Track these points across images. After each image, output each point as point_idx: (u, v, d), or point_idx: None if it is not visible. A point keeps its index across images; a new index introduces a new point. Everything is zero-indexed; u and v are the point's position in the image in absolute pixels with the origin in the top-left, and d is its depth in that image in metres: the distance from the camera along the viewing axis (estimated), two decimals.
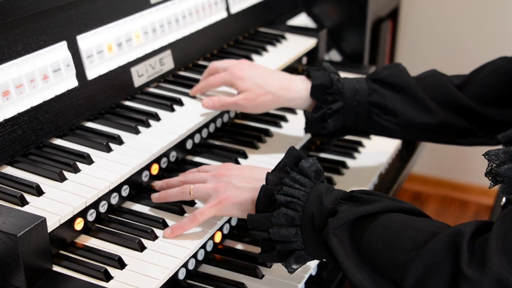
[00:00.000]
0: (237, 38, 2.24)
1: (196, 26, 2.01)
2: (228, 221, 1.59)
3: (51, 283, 1.27)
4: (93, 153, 1.52)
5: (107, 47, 1.69)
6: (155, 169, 1.61)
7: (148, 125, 1.65)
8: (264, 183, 1.36)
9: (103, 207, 1.46)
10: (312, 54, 2.32)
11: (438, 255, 1.10)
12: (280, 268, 1.48)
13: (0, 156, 1.42)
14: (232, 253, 1.56)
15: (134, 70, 1.78)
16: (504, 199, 1.24)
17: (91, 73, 1.65)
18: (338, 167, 1.94)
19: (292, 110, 2.05)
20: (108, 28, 1.71)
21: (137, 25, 1.79)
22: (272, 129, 1.92)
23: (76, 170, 1.45)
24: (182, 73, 1.95)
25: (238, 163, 1.71)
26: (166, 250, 1.39)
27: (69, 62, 1.59)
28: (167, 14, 1.89)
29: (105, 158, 1.51)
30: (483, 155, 1.21)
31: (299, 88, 1.73)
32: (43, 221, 1.25)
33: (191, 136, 1.73)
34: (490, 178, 1.19)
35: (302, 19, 2.56)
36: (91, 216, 1.43)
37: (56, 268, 1.31)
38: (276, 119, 1.97)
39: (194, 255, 1.48)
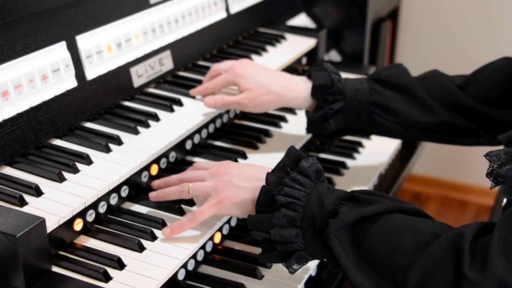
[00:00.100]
0: (236, 38, 2.23)
1: (196, 27, 2.01)
2: (228, 221, 1.59)
3: (50, 283, 1.26)
4: (92, 153, 1.51)
5: (106, 47, 1.69)
6: (154, 170, 1.60)
7: (147, 126, 1.65)
8: (264, 183, 1.36)
9: (102, 208, 1.46)
10: (311, 55, 2.32)
11: (440, 257, 1.09)
12: (280, 268, 1.48)
13: None
14: (232, 254, 1.55)
15: (133, 71, 1.78)
16: (505, 200, 1.24)
17: (91, 74, 1.65)
18: (338, 168, 1.93)
19: (291, 111, 2.05)
20: (108, 28, 1.70)
21: (137, 25, 1.79)
22: (272, 129, 1.92)
23: (75, 170, 1.45)
24: (181, 73, 1.95)
25: None
26: (165, 251, 1.39)
27: (68, 63, 1.58)
28: (167, 14, 1.89)
29: (104, 159, 1.51)
30: (484, 155, 1.20)
31: (300, 88, 1.73)
32: (42, 222, 1.24)
33: (190, 136, 1.73)
34: (491, 178, 1.19)
35: (301, 19, 2.55)
36: (91, 216, 1.43)
37: (55, 268, 1.31)
38: (275, 120, 1.97)
39: (194, 256, 1.47)
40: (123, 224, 1.45)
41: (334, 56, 2.61)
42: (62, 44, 1.58)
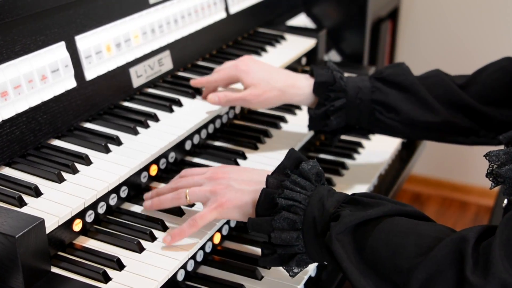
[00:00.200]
0: (236, 38, 2.23)
1: (195, 27, 2.01)
2: (227, 222, 1.59)
3: (49, 284, 1.26)
4: (91, 154, 1.51)
5: (105, 47, 1.68)
6: (154, 170, 1.60)
7: (147, 126, 1.65)
8: (264, 186, 1.35)
9: (101, 208, 1.45)
10: (311, 55, 2.32)
11: (443, 262, 1.09)
12: (280, 269, 1.48)
13: None
14: (231, 255, 1.55)
15: (132, 71, 1.77)
16: (506, 201, 1.24)
17: (90, 74, 1.65)
18: (338, 168, 1.93)
19: (291, 111, 2.05)
20: (107, 29, 1.70)
21: (136, 25, 1.78)
22: (271, 130, 1.91)
23: (74, 171, 1.44)
24: (181, 73, 1.95)
25: (237, 164, 1.71)
26: (165, 252, 1.38)
27: (68, 63, 1.58)
28: (166, 15, 1.89)
29: (103, 159, 1.50)
30: (484, 156, 1.20)
31: (303, 85, 1.75)
32: (41, 222, 1.24)
33: (190, 137, 1.72)
34: (491, 179, 1.19)
35: (301, 20, 2.55)
36: (90, 217, 1.42)
37: (54, 269, 1.31)
38: (275, 120, 1.96)
39: (193, 257, 1.47)
40: (123, 225, 1.45)
41: (334, 56, 2.61)
42: (61, 45, 1.58)
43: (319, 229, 1.26)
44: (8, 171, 1.43)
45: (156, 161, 1.60)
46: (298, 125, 1.97)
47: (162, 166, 1.63)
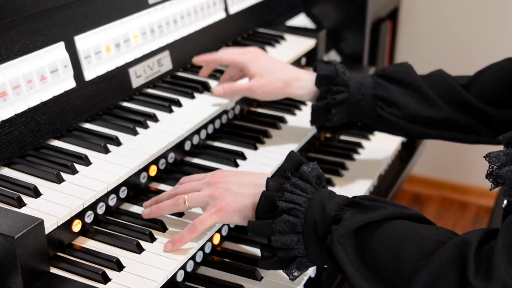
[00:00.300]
0: (235, 38, 2.23)
1: (195, 27, 2.01)
2: None
3: (48, 285, 1.26)
4: (90, 154, 1.51)
5: (105, 47, 1.68)
6: (153, 171, 1.60)
7: (146, 126, 1.64)
8: (264, 189, 1.34)
9: (101, 209, 1.45)
10: (311, 55, 2.31)
11: (445, 266, 1.09)
12: (279, 270, 1.48)
13: None
14: (231, 255, 1.55)
15: (132, 71, 1.77)
16: (505, 202, 1.24)
17: (89, 74, 1.64)
18: (337, 169, 1.93)
19: (290, 112, 2.04)
20: (106, 29, 1.70)
21: (135, 25, 1.78)
22: (271, 130, 1.91)
23: (73, 171, 1.44)
24: (180, 74, 1.95)
25: (237, 164, 1.70)
26: (164, 252, 1.38)
27: (67, 63, 1.58)
28: (166, 15, 1.88)
29: (103, 160, 1.50)
30: (484, 157, 1.20)
31: (306, 78, 1.78)
32: (40, 223, 1.24)
33: (189, 137, 1.72)
34: (491, 180, 1.18)
35: (301, 20, 2.55)
36: (89, 217, 1.42)
37: (53, 270, 1.30)
38: (274, 120, 1.96)
39: (193, 257, 1.47)
40: (122, 225, 1.45)
41: (333, 56, 2.60)
42: (61, 45, 1.58)
43: (320, 232, 1.25)
44: (7, 172, 1.43)
45: (155, 161, 1.60)
46: (297, 125, 1.96)
47: (162, 167, 1.63)
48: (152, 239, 1.41)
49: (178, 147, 1.68)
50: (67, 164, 1.44)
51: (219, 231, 1.56)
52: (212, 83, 1.89)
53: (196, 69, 1.98)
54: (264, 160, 1.74)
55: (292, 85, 1.77)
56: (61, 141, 1.56)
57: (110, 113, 1.69)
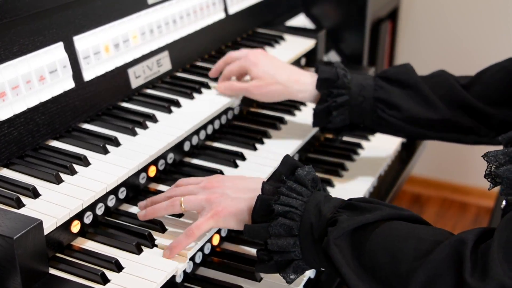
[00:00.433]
0: (235, 39, 2.23)
1: (194, 27, 2.00)
2: None
3: (47, 286, 1.26)
4: (90, 155, 1.51)
5: (104, 48, 1.68)
6: (152, 171, 1.60)
7: (145, 127, 1.64)
8: (260, 193, 1.34)
9: (100, 210, 1.45)
10: (311, 55, 2.31)
11: (441, 265, 1.09)
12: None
13: None
14: (230, 256, 1.55)
15: (131, 71, 1.77)
16: (504, 202, 1.23)
17: (88, 74, 1.64)
18: (337, 169, 1.93)
19: (290, 112, 2.04)
20: (105, 29, 1.70)
21: (135, 25, 1.78)
22: (270, 131, 1.91)
23: (72, 172, 1.44)
24: (179, 74, 1.94)
25: (236, 165, 1.70)
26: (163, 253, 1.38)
27: (66, 63, 1.58)
28: (165, 15, 1.88)
29: (102, 160, 1.50)
30: (482, 156, 1.20)
31: (307, 81, 1.79)
32: (39, 224, 1.23)
33: (188, 138, 1.72)
34: (489, 179, 1.19)
35: (301, 20, 2.55)
36: (88, 218, 1.42)
37: (52, 271, 1.30)
38: (274, 121, 1.96)
39: (192, 258, 1.47)
40: (121, 226, 1.45)
41: (333, 57, 2.60)
42: (60, 45, 1.57)
43: (316, 234, 1.25)
44: (6, 172, 1.42)
45: (154, 162, 1.60)
46: (297, 126, 1.96)
47: (161, 167, 1.63)
48: (151, 240, 1.41)
49: (177, 148, 1.68)
50: (66, 164, 1.44)
51: (218, 232, 1.56)
52: (212, 83, 1.89)
53: (195, 69, 1.98)
54: (263, 161, 1.74)
55: (291, 88, 1.79)
56: (60, 141, 1.56)
57: (109, 114, 1.69)
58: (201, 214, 1.38)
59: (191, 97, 1.81)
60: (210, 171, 1.66)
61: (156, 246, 1.40)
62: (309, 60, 2.32)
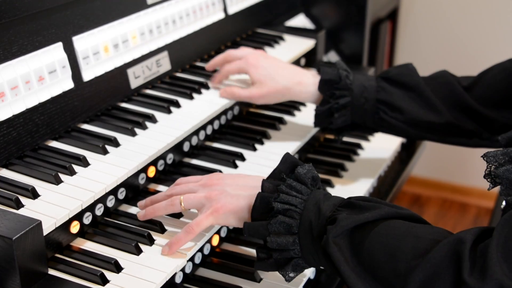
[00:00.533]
0: (234, 39, 2.22)
1: (193, 27, 2.00)
2: None
3: (46, 286, 1.26)
4: (89, 155, 1.50)
5: (103, 48, 1.68)
6: (151, 172, 1.59)
7: (144, 127, 1.64)
8: (260, 191, 1.34)
9: (99, 210, 1.45)
10: (310, 56, 2.31)
11: (440, 264, 1.09)
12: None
13: None
14: (230, 257, 1.55)
15: (130, 72, 1.77)
16: (504, 202, 1.23)
17: (87, 75, 1.64)
18: (337, 170, 1.93)
19: (289, 113, 2.04)
20: (104, 29, 1.69)
21: (134, 26, 1.78)
22: (270, 131, 1.91)
23: (72, 172, 1.44)
24: (179, 74, 1.94)
25: (236, 165, 1.70)
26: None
27: (65, 64, 1.57)
28: (164, 15, 1.88)
29: (101, 161, 1.50)
30: (481, 156, 1.20)
31: (309, 82, 1.79)
32: (38, 224, 1.23)
33: (188, 138, 1.72)
34: (489, 180, 1.19)
35: (300, 20, 2.54)
36: (87, 219, 1.42)
37: (51, 271, 1.30)
38: (274, 121, 1.96)
39: (191, 259, 1.46)
40: (120, 227, 1.44)
41: (333, 57, 2.60)
42: (59, 45, 1.57)
43: (316, 233, 1.25)
44: (5, 173, 1.42)
45: (154, 162, 1.60)
46: (297, 126, 1.96)
47: (160, 168, 1.63)
48: (150, 240, 1.41)
49: (176, 148, 1.67)
50: (65, 165, 1.44)
51: (218, 232, 1.56)
52: (211, 84, 1.89)
53: (194, 69, 1.98)
54: (263, 161, 1.74)
55: (293, 90, 1.79)
56: (59, 142, 1.55)
57: (109, 114, 1.68)
58: (201, 211, 1.38)
59: (191, 98, 1.81)
60: (210, 172, 1.65)
61: (156, 246, 1.40)
62: (308, 60, 2.31)
